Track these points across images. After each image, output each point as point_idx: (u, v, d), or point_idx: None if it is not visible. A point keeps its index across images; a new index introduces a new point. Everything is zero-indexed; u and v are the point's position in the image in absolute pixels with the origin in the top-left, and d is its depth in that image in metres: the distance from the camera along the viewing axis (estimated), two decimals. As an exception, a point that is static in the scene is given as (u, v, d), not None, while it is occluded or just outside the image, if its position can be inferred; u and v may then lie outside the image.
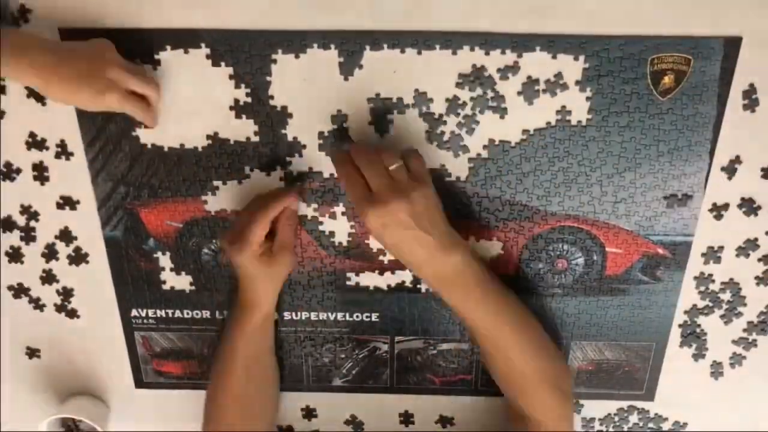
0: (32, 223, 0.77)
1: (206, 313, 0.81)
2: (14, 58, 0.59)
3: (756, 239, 0.75)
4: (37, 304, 0.82)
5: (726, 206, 0.73)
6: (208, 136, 0.71)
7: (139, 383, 0.87)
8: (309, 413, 0.88)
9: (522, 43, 0.66)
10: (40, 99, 0.70)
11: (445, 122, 0.70)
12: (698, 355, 0.82)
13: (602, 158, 0.71)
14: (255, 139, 0.71)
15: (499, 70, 0.67)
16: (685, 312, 0.79)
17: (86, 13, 0.66)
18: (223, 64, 0.67)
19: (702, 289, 0.78)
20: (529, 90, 0.68)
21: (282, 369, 0.84)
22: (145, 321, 0.82)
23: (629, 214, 0.74)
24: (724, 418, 0.86)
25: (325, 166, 0.72)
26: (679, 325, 0.80)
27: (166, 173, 0.73)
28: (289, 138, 0.71)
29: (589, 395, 0.85)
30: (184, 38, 0.67)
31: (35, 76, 0.60)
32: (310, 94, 0.69)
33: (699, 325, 0.80)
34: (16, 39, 0.60)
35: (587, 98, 0.68)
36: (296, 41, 0.66)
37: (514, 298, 0.74)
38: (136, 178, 0.74)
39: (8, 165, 0.74)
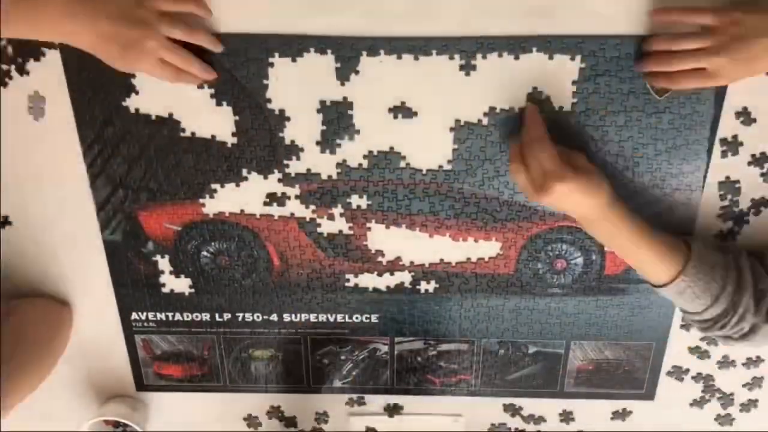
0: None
1: (206, 316, 0.82)
2: None
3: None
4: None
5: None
6: (207, 139, 0.71)
7: (140, 386, 0.87)
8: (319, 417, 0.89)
9: (519, 44, 0.66)
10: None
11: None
12: (704, 354, 0.82)
13: (600, 158, 0.71)
14: (253, 141, 0.71)
15: (497, 70, 0.67)
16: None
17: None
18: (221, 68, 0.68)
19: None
20: (525, 90, 0.68)
21: (282, 371, 0.85)
22: (145, 324, 0.82)
23: (628, 214, 0.73)
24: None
25: (323, 168, 0.72)
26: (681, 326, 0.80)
27: (164, 176, 0.73)
28: (287, 141, 0.71)
29: (589, 395, 0.85)
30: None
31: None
32: (307, 97, 0.69)
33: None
34: None
35: (584, 98, 0.68)
36: (293, 45, 0.66)
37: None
38: (135, 181, 0.74)
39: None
